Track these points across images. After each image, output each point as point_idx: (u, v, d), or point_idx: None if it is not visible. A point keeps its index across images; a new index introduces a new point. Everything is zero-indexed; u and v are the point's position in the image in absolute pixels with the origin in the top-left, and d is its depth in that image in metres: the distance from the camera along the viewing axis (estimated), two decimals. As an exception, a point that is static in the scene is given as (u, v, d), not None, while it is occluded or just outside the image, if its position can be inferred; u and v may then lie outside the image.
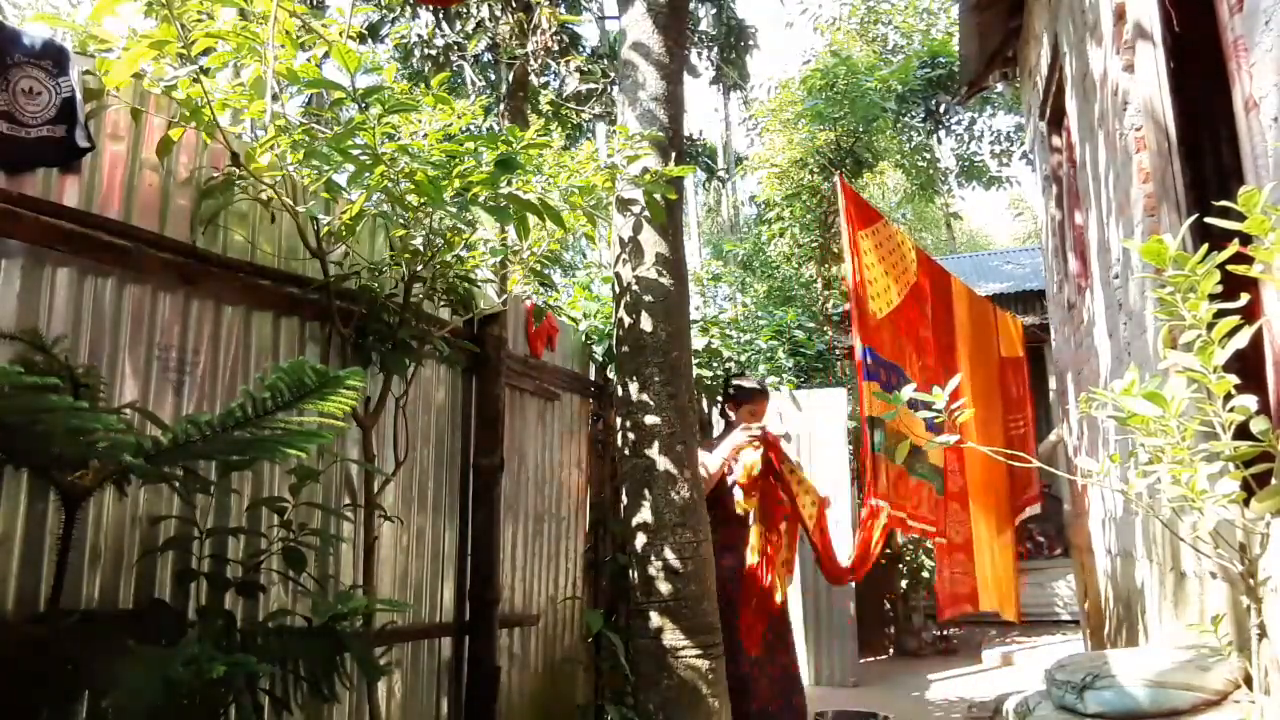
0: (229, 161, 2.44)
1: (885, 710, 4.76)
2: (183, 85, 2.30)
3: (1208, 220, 1.75)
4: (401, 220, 2.73)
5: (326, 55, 2.49)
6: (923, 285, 4.78)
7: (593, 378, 4.62)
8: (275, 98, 2.35)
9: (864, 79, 11.32)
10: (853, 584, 6.96)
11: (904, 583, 8.18)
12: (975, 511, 4.95)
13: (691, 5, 8.45)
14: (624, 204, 3.52)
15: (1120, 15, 3.08)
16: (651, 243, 3.48)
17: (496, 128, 6.05)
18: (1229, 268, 1.68)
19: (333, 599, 2.35)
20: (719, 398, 4.16)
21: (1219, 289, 1.69)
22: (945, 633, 8.24)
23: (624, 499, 3.43)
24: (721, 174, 16.00)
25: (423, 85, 2.95)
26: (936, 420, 2.20)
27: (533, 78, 6.71)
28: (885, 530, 3.96)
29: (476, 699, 3.29)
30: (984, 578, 4.94)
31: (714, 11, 9.71)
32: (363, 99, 2.36)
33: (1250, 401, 1.66)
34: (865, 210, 4.38)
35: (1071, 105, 4.37)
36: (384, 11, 7.20)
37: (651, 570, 3.24)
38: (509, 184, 2.62)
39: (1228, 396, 1.69)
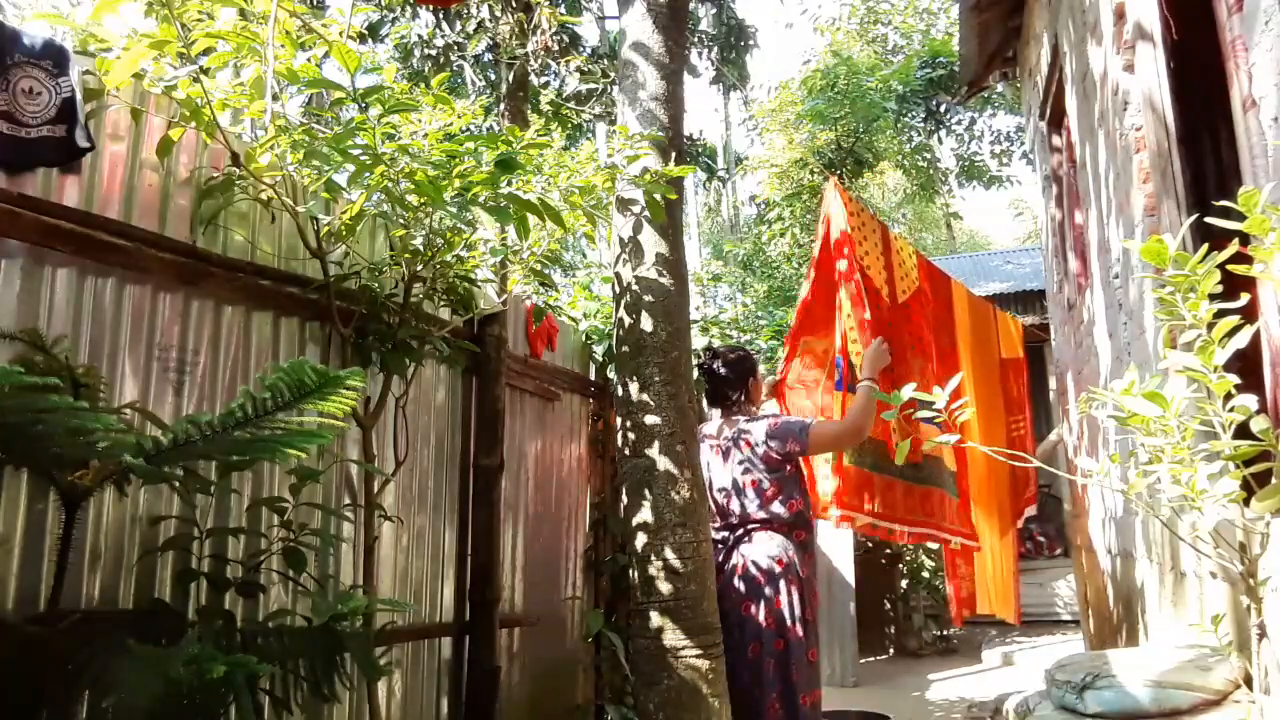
0: (229, 161, 2.44)
1: (885, 710, 4.76)
2: (183, 85, 2.30)
3: (1208, 220, 1.75)
4: (401, 220, 2.73)
5: (326, 55, 2.49)
6: (925, 290, 4.77)
7: (593, 378, 4.62)
8: (275, 98, 2.35)
9: (864, 79, 11.35)
10: (852, 584, 7.00)
11: (904, 583, 8.19)
12: (977, 514, 4.95)
13: (691, 5, 8.43)
14: (624, 204, 3.52)
15: (1120, 15, 3.08)
16: (651, 243, 3.47)
17: (496, 128, 6.04)
18: (1229, 267, 1.68)
19: (333, 599, 2.35)
20: (727, 378, 3.84)
21: (1219, 289, 1.69)
22: (945, 633, 8.24)
23: (624, 499, 3.42)
24: (721, 174, 15.98)
25: (423, 85, 2.94)
26: (937, 420, 2.20)
27: (533, 78, 6.71)
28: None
29: (476, 699, 3.29)
30: (983, 580, 4.94)
31: (714, 11, 9.70)
32: (363, 99, 2.36)
33: (1250, 401, 1.66)
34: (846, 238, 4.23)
35: (1071, 105, 4.37)
36: (384, 11, 7.20)
37: (651, 570, 3.24)
38: (509, 184, 2.61)
39: (1228, 396, 1.69)
